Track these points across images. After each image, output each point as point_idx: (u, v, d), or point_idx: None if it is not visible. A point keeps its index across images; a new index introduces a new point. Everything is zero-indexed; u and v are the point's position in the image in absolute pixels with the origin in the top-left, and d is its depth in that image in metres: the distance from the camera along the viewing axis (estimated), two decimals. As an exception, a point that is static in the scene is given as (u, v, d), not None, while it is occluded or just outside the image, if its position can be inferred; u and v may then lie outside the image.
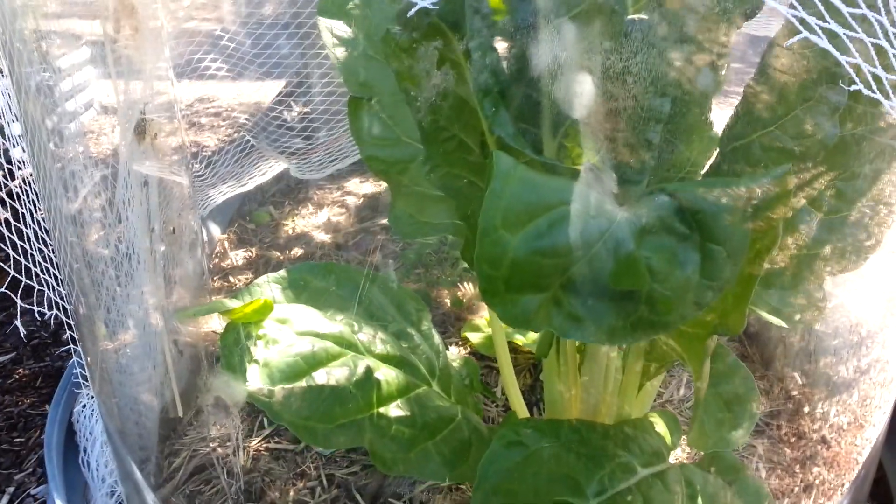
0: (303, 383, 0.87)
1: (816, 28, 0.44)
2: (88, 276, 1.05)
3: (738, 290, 0.67)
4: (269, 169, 1.76)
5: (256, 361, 0.86)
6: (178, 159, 1.32)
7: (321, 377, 0.89)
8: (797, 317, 0.94)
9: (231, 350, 0.86)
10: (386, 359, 0.98)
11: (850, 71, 0.46)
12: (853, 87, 0.45)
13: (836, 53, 0.45)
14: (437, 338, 1.11)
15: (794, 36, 0.49)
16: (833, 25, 0.45)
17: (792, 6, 0.46)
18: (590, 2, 0.70)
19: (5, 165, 1.17)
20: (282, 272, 1.07)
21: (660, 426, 1.02)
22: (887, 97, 0.48)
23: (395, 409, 0.93)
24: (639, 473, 0.86)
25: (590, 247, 0.57)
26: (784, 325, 0.94)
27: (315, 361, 0.90)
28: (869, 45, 0.46)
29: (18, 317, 0.97)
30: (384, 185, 2.33)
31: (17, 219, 1.00)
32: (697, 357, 0.78)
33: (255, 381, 0.84)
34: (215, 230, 2.08)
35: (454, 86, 0.79)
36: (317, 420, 0.85)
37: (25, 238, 1.00)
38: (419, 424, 0.94)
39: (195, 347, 1.46)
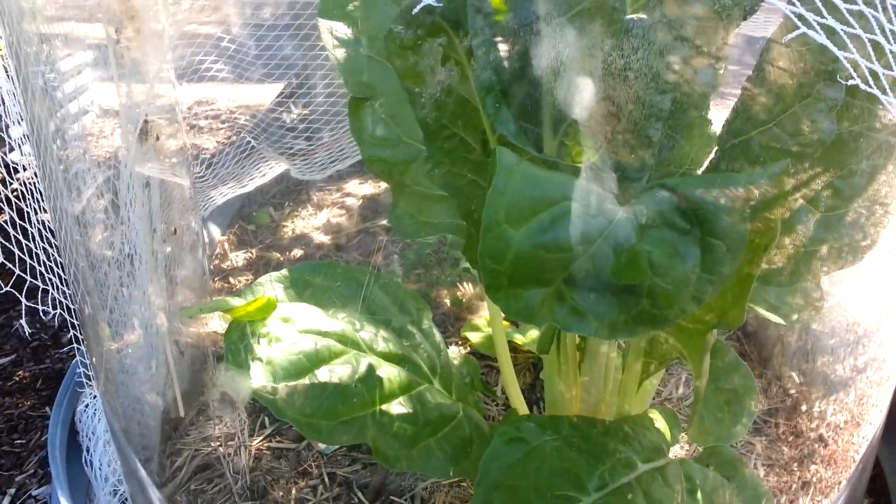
0: (306, 381, 0.88)
1: (815, 24, 0.45)
2: (92, 277, 1.06)
3: (738, 289, 0.68)
4: (270, 170, 1.77)
5: (260, 359, 0.87)
6: (179, 161, 1.33)
7: (324, 375, 0.90)
8: (794, 316, 0.95)
9: (235, 348, 0.87)
10: (388, 357, 0.99)
11: (849, 67, 0.47)
12: (851, 82, 0.46)
13: (835, 49, 0.46)
14: (437, 336, 1.12)
15: (791, 34, 0.50)
16: (831, 22, 0.46)
17: (790, 2, 0.47)
18: (590, 1, 0.71)
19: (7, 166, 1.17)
20: (284, 271, 1.08)
21: (659, 422, 1.03)
22: (884, 93, 0.49)
23: (397, 407, 0.94)
24: (639, 468, 0.87)
25: (592, 241, 0.58)
26: (782, 322, 0.95)
27: (318, 359, 0.91)
28: (866, 41, 0.47)
29: (23, 316, 0.98)
30: (383, 186, 2.35)
31: (21, 217, 1.01)
32: (697, 352, 0.79)
33: (259, 378, 0.85)
34: (215, 231, 2.09)
35: (456, 84, 0.80)
36: (320, 417, 0.86)
37: (30, 237, 1.00)
38: (421, 422, 0.95)
39: (196, 348, 1.47)
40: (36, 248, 1.01)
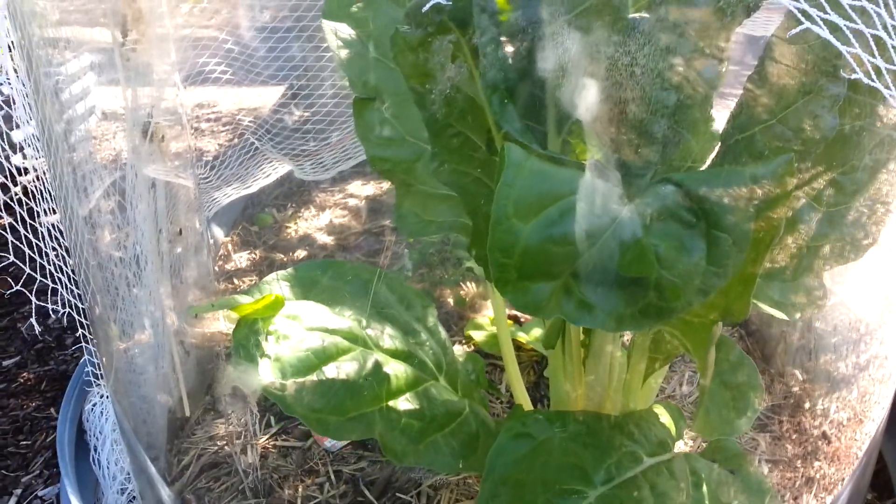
0: (314, 377, 0.89)
1: (818, 19, 0.46)
2: (101, 277, 1.07)
3: (741, 287, 0.69)
4: (273, 171, 1.77)
5: (268, 356, 0.88)
6: (184, 162, 1.34)
7: (331, 371, 0.90)
8: (797, 315, 0.96)
9: (243, 345, 0.88)
10: (394, 354, 0.99)
11: (851, 61, 0.48)
12: (854, 76, 0.47)
13: (838, 44, 0.46)
14: (443, 333, 1.13)
15: (793, 29, 0.51)
16: (834, 17, 0.47)
17: (795, -2, 0.48)
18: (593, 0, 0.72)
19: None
20: (290, 270, 1.08)
21: (664, 417, 1.03)
22: (887, 87, 0.49)
23: (403, 403, 0.94)
24: (645, 462, 0.87)
25: (599, 235, 0.59)
26: (785, 317, 0.95)
27: (325, 356, 0.91)
28: (868, 36, 0.48)
29: (34, 314, 0.98)
30: (385, 187, 2.36)
31: (32, 218, 1.02)
32: (703, 346, 0.79)
33: (268, 375, 0.86)
34: (219, 233, 2.10)
35: (462, 83, 0.81)
36: (329, 413, 0.87)
37: (40, 237, 1.01)
38: (428, 417, 0.95)
39: (202, 348, 1.48)
40: (40, 248, 1.02)
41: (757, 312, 1.08)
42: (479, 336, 1.55)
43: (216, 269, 1.92)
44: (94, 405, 1.35)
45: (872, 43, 0.49)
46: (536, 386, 1.46)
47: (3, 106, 0.94)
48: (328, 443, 1.32)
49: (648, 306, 0.62)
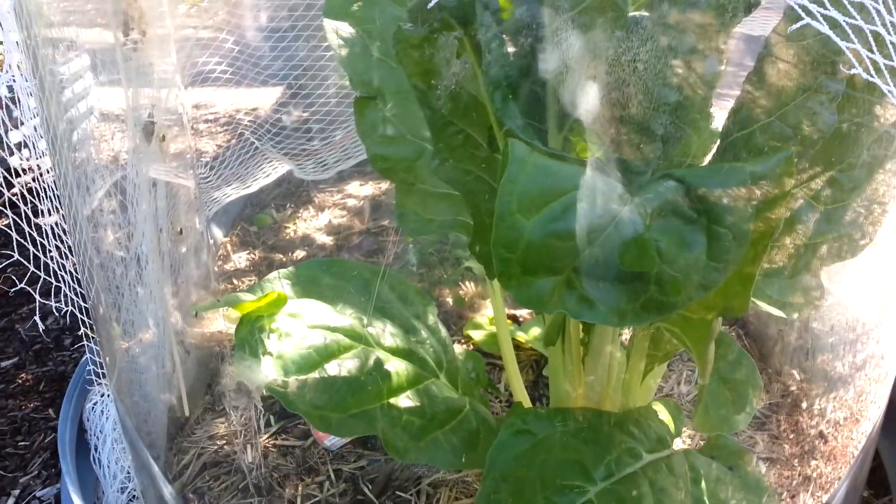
0: (316, 374, 0.89)
1: (818, 15, 0.47)
2: (104, 276, 1.07)
3: (739, 287, 0.69)
4: (273, 171, 1.78)
5: (270, 353, 0.88)
6: (184, 162, 1.35)
7: (333, 369, 0.91)
8: (795, 315, 0.97)
9: (245, 343, 0.88)
10: (395, 351, 1.00)
11: (851, 57, 0.49)
12: (853, 71, 0.47)
13: (837, 39, 0.47)
14: (443, 332, 1.13)
15: (792, 26, 0.51)
16: (833, 13, 0.47)
17: (795, -7, 0.48)
18: (595, -2, 0.73)
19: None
20: (291, 268, 1.09)
21: (663, 414, 1.04)
22: (886, 83, 0.50)
23: (405, 400, 0.95)
24: (644, 458, 0.88)
25: (601, 230, 0.60)
26: (783, 315, 0.96)
27: (327, 353, 0.92)
28: (868, 33, 0.49)
29: (37, 311, 0.99)
30: (384, 187, 2.36)
31: (35, 217, 1.02)
32: (702, 342, 0.80)
33: (270, 372, 0.86)
34: (218, 233, 2.10)
35: (464, 80, 0.82)
36: (331, 410, 0.87)
37: (45, 235, 1.01)
38: (429, 415, 0.96)
39: (202, 348, 1.48)
40: (43, 248, 1.02)
41: (755, 312, 1.09)
42: (478, 335, 1.55)
43: (216, 269, 1.92)
44: (94, 404, 1.35)
45: (871, 40, 0.50)
46: (535, 385, 1.46)
47: (10, 104, 0.94)
48: (328, 441, 1.33)
49: (650, 301, 0.62)
